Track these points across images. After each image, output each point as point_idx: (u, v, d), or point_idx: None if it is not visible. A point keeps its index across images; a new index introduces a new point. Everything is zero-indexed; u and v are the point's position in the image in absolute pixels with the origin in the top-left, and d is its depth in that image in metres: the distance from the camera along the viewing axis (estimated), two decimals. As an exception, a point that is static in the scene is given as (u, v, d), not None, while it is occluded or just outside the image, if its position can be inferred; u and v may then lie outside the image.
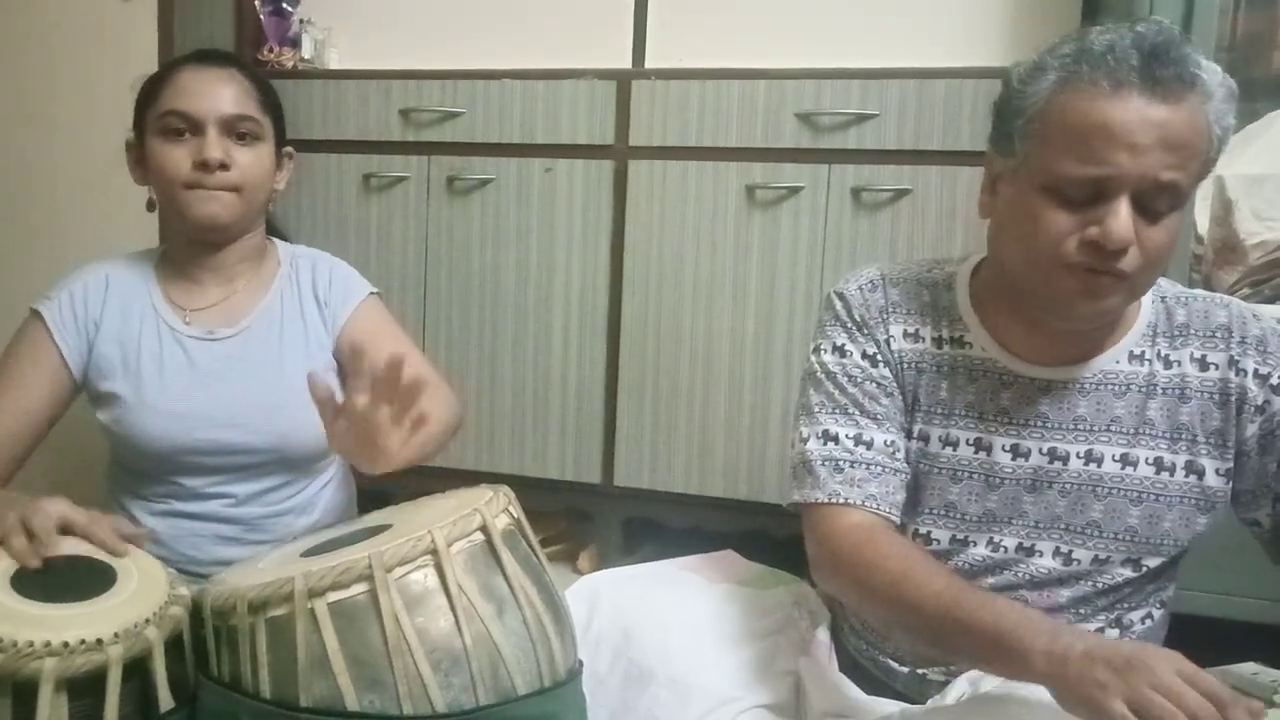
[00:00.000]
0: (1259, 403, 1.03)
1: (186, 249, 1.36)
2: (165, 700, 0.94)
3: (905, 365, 1.10)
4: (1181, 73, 0.90)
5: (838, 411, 1.10)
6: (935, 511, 1.10)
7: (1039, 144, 0.95)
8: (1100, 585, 1.07)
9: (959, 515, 1.09)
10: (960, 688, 1.06)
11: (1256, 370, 1.03)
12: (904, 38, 1.91)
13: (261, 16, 2.08)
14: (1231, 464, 1.05)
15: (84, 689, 0.89)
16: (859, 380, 1.10)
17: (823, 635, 1.19)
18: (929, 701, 1.08)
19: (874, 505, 1.05)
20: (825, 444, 1.08)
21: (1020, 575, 1.08)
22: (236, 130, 1.30)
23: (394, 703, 0.88)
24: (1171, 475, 1.05)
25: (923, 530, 1.11)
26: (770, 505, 1.81)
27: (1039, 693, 0.89)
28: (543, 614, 0.97)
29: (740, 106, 1.78)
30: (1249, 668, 0.98)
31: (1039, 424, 1.06)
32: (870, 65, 1.77)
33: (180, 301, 1.35)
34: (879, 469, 1.07)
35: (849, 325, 1.12)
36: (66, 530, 1.02)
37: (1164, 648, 0.85)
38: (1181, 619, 1.18)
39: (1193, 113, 0.91)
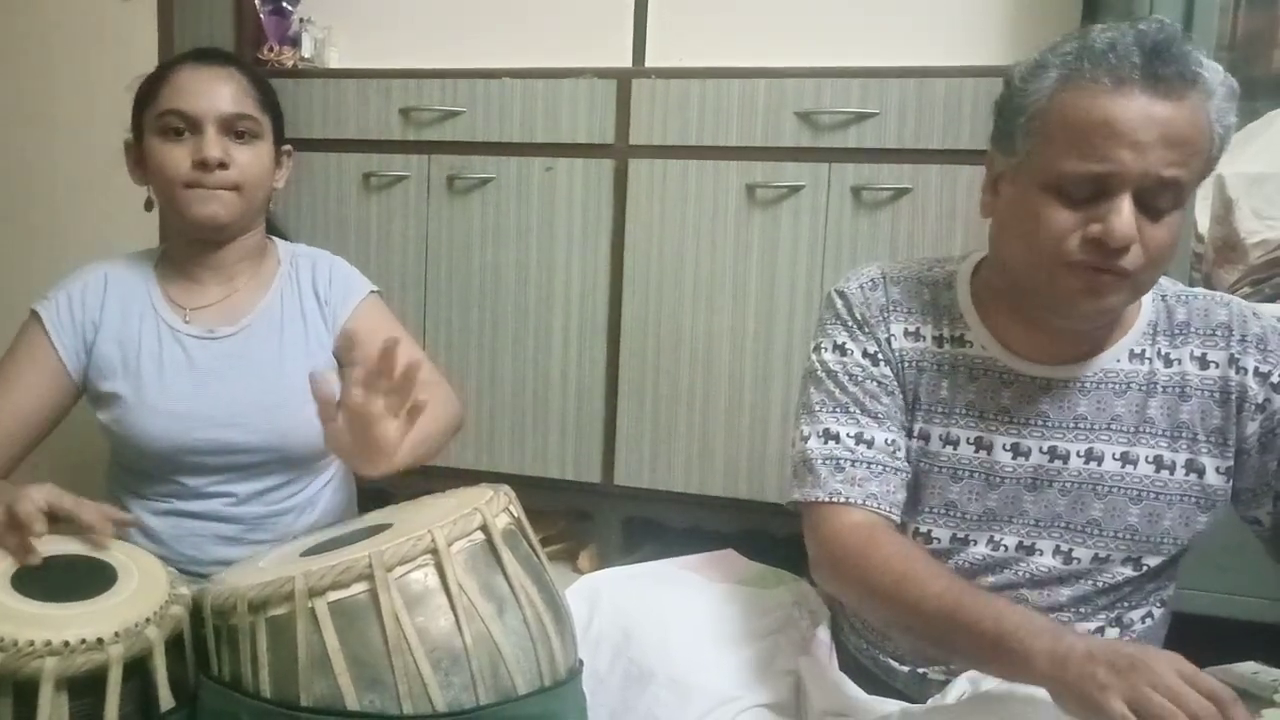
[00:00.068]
0: (1259, 401, 1.03)
1: (186, 248, 1.35)
2: (166, 700, 0.94)
3: (906, 364, 1.10)
4: (1183, 70, 0.90)
5: (838, 410, 1.10)
6: (935, 510, 1.10)
7: (1041, 142, 0.95)
8: (1100, 584, 1.07)
9: (959, 514, 1.09)
10: (960, 687, 1.06)
11: (1257, 368, 1.03)
12: (904, 37, 1.91)
13: (261, 15, 2.07)
14: (1232, 462, 1.05)
15: (84, 688, 0.89)
16: (860, 379, 1.10)
17: (823, 634, 1.19)
18: (929, 701, 1.08)
19: (875, 505, 1.05)
20: (826, 443, 1.08)
21: (1020, 574, 1.08)
22: (235, 129, 1.29)
23: (394, 702, 0.88)
24: (1172, 474, 1.05)
25: (923, 529, 1.11)
26: (770, 505, 1.81)
27: (1040, 692, 0.88)
28: (543, 613, 0.97)
29: (740, 105, 1.78)
30: (1249, 667, 0.98)
31: (1039, 423, 1.06)
32: (870, 64, 1.77)
33: (180, 300, 1.35)
34: (880, 468, 1.07)
35: (850, 324, 1.12)
36: (54, 514, 1.02)
37: (1165, 650, 0.85)
38: (1182, 618, 1.18)
39: (1194, 110, 0.91)
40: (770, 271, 1.80)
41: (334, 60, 2.13)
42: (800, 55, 1.88)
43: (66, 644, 0.87)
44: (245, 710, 0.92)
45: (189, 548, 1.31)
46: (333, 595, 0.90)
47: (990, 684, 1.01)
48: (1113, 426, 1.05)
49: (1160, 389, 1.05)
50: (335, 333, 1.37)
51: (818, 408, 1.11)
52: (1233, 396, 1.04)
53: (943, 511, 1.10)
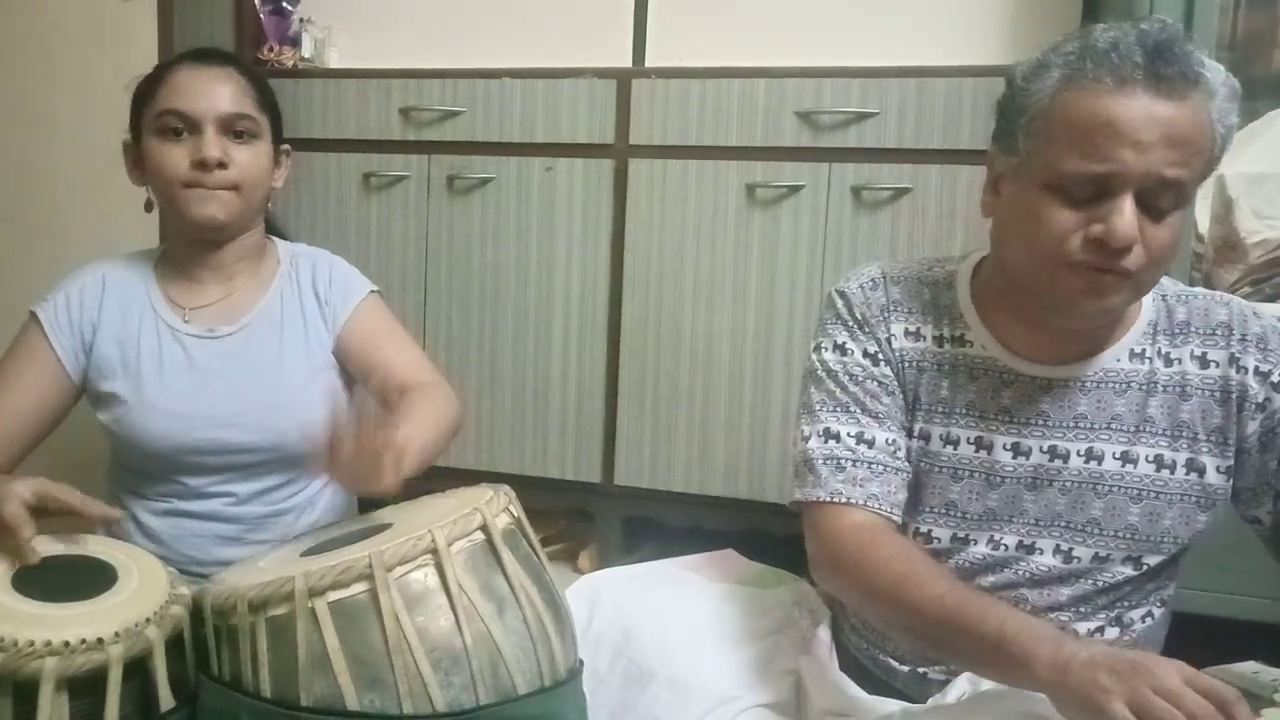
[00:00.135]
0: (1259, 400, 1.03)
1: (186, 248, 1.36)
2: (166, 699, 0.94)
3: (906, 364, 1.10)
4: (1185, 70, 0.90)
5: (839, 410, 1.10)
6: (936, 510, 1.10)
7: (1043, 141, 0.95)
8: (1100, 583, 1.07)
9: (960, 514, 1.09)
10: (961, 686, 1.06)
11: (1257, 368, 1.03)
12: (904, 36, 1.91)
13: (261, 15, 2.08)
14: (1232, 461, 1.05)
15: (85, 688, 0.89)
16: (860, 379, 1.10)
17: (823, 634, 1.19)
18: (930, 700, 1.08)
19: (875, 505, 1.05)
20: (827, 442, 1.08)
21: (1020, 573, 1.08)
22: (234, 128, 1.29)
23: (394, 702, 0.88)
24: (1172, 473, 1.05)
25: (923, 529, 1.11)
26: (770, 504, 1.81)
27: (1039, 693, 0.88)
28: (543, 613, 0.97)
29: (740, 105, 1.78)
30: (1250, 666, 0.98)
31: (1040, 422, 1.06)
32: (870, 64, 1.77)
33: (179, 300, 1.35)
34: (880, 468, 1.07)
35: (850, 323, 1.12)
36: (44, 506, 1.03)
37: (1168, 657, 0.85)
38: (1182, 618, 1.18)
39: (1196, 110, 0.91)
40: (770, 271, 1.80)
41: (334, 60, 2.13)
42: (800, 55, 1.88)
43: (67, 644, 0.87)
44: (245, 710, 0.92)
45: (189, 548, 1.31)
46: (333, 595, 0.90)
47: (990, 683, 1.01)
48: (1113, 426, 1.05)
49: (1161, 388, 1.05)
50: (335, 333, 1.37)
51: (818, 407, 1.11)
52: (1233, 396, 1.04)
53: (943, 511, 1.10)
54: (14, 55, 2.05)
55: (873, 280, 1.13)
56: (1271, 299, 1.64)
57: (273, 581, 0.92)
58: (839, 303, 1.14)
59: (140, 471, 1.33)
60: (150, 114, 1.30)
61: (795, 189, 1.77)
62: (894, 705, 1.08)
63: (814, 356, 1.14)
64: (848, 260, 1.75)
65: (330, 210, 2.00)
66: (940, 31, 1.91)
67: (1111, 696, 0.80)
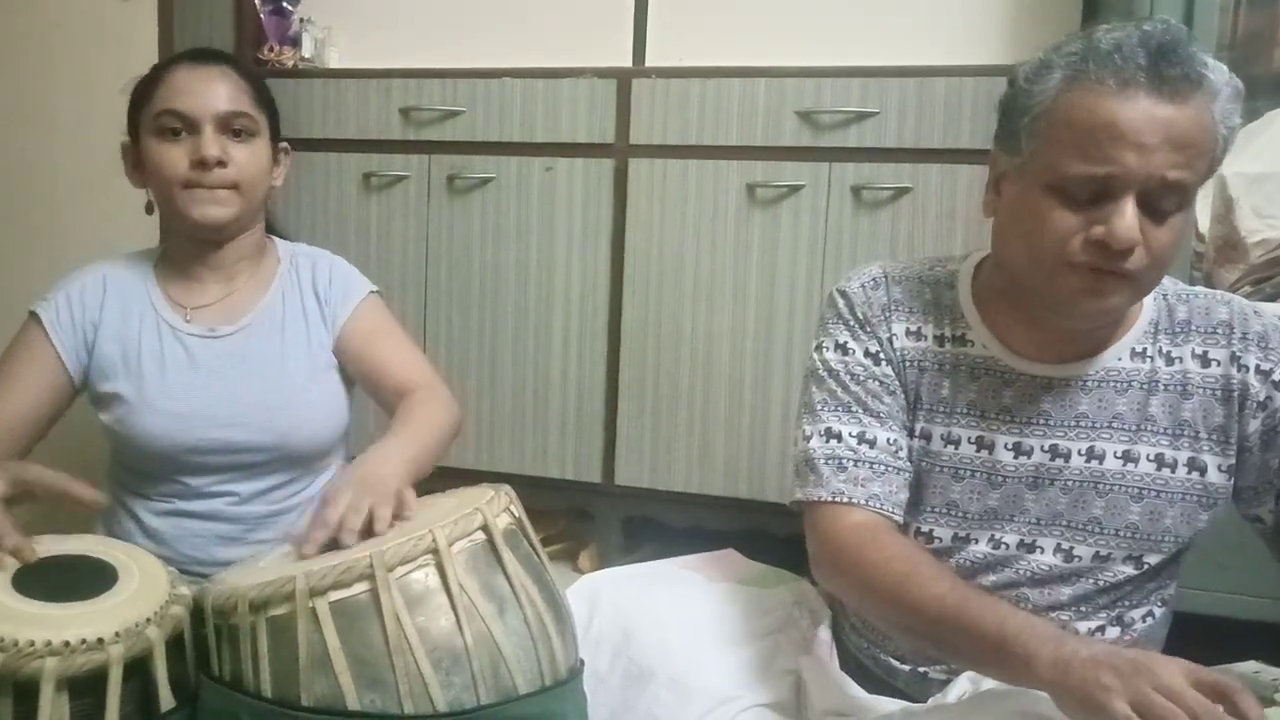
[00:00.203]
0: (1261, 399, 1.03)
1: (186, 247, 1.35)
2: (166, 700, 0.93)
3: (907, 363, 1.10)
4: (1188, 72, 0.90)
5: (840, 409, 1.09)
6: (937, 510, 1.10)
7: (1045, 143, 0.95)
8: (1101, 582, 1.07)
9: (960, 513, 1.09)
10: (962, 686, 1.06)
11: (1258, 366, 1.03)
12: (904, 36, 1.91)
13: (261, 16, 2.08)
14: (1233, 460, 1.05)
15: (85, 688, 0.88)
16: (861, 378, 1.10)
17: (824, 634, 1.19)
18: (930, 700, 1.08)
19: (877, 505, 1.05)
20: (828, 442, 1.08)
21: (1021, 572, 1.08)
22: (232, 127, 1.29)
23: (395, 702, 0.88)
24: (1173, 472, 1.05)
25: (924, 528, 1.11)
26: (770, 504, 1.81)
27: (1041, 692, 0.88)
28: (544, 613, 0.97)
29: (740, 105, 1.78)
30: (1250, 666, 0.98)
31: (1041, 422, 1.06)
32: (870, 64, 1.77)
33: (180, 300, 1.35)
34: (882, 468, 1.07)
35: (851, 323, 1.12)
36: (24, 495, 1.03)
37: (1170, 655, 0.85)
38: (1183, 617, 1.18)
39: (1199, 112, 0.91)
40: (770, 271, 1.80)
41: (334, 60, 2.13)
42: (800, 55, 1.88)
43: (67, 644, 0.87)
44: (246, 710, 0.92)
45: (190, 548, 1.31)
46: (334, 595, 0.90)
47: (991, 683, 1.01)
48: (1114, 425, 1.05)
49: (1162, 387, 1.05)
50: (335, 333, 1.37)
51: (819, 407, 1.11)
52: (1234, 394, 1.04)
53: (944, 511, 1.10)
54: (14, 55, 2.05)
55: (874, 280, 1.13)
56: (1272, 298, 1.64)
57: (273, 581, 0.92)
58: (840, 302, 1.14)
59: (141, 471, 1.33)
60: (148, 115, 1.30)
61: (795, 189, 1.77)
62: (895, 705, 1.08)
63: (815, 356, 1.14)
64: (848, 260, 1.75)
65: (330, 210, 2.00)
66: (940, 31, 1.91)
67: (1113, 695, 0.80)
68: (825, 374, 1.11)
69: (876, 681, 1.14)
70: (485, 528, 0.97)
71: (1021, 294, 1.03)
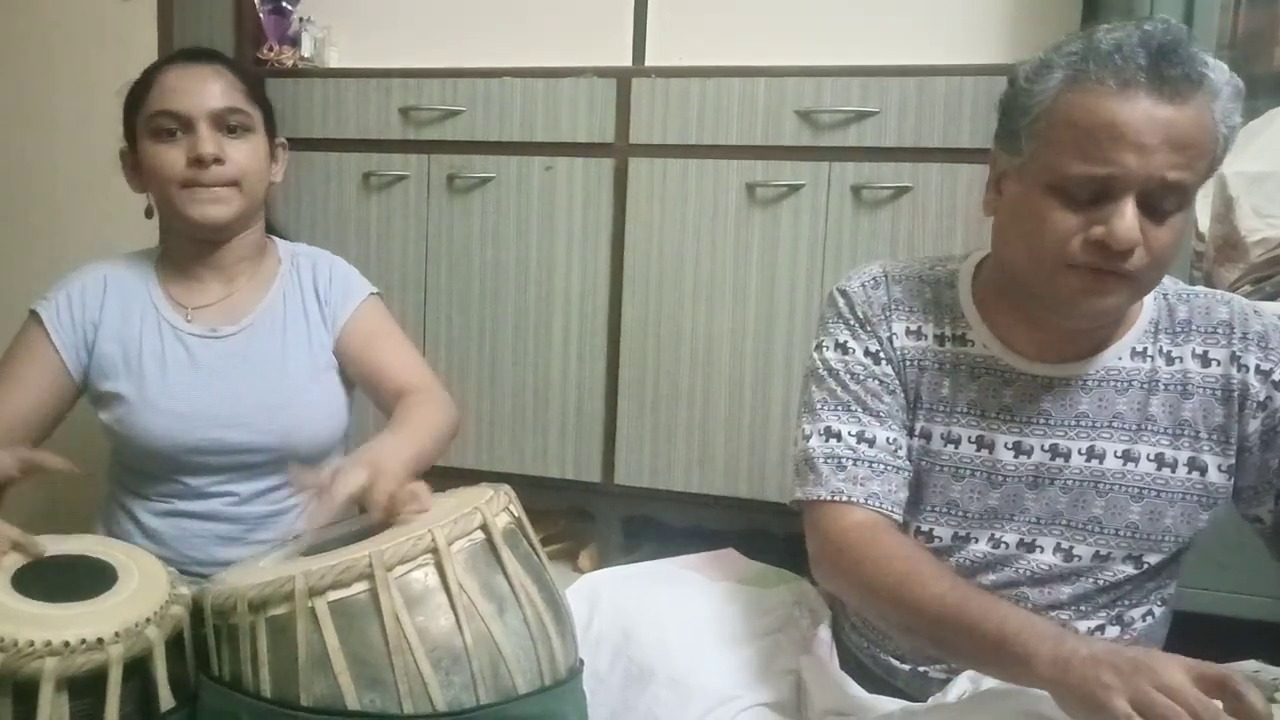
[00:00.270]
0: (1261, 398, 1.03)
1: (187, 247, 1.35)
2: (166, 699, 0.93)
3: (907, 362, 1.10)
4: (1189, 72, 0.90)
5: (840, 409, 1.09)
6: (937, 509, 1.10)
7: (1045, 143, 0.95)
8: (1101, 582, 1.07)
9: (960, 513, 1.09)
10: (962, 685, 1.06)
11: (1258, 366, 1.03)
12: (904, 35, 1.91)
13: (261, 15, 2.08)
14: (1233, 460, 1.05)
15: (85, 688, 0.88)
16: (861, 377, 1.10)
17: (824, 633, 1.19)
18: (930, 699, 1.08)
19: (877, 504, 1.05)
20: (828, 441, 1.08)
21: (1021, 572, 1.08)
22: (227, 124, 1.29)
23: (394, 701, 0.88)
24: (1173, 471, 1.04)
25: (924, 528, 1.10)
26: (770, 504, 1.81)
27: (1041, 691, 0.88)
28: (543, 613, 0.97)
29: (740, 104, 1.78)
30: (1250, 665, 0.98)
31: (1041, 421, 1.06)
32: (870, 63, 1.77)
33: (181, 299, 1.35)
34: (882, 467, 1.07)
35: (851, 322, 1.12)
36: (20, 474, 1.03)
37: (1170, 653, 0.85)
38: (1183, 617, 1.18)
39: (1200, 112, 0.91)
40: (770, 271, 1.80)
41: (334, 60, 2.13)
42: (800, 54, 1.88)
43: (66, 644, 0.87)
44: (245, 710, 0.92)
45: (190, 548, 1.31)
46: (333, 595, 0.90)
47: (991, 682, 1.01)
48: (1114, 424, 1.05)
49: (1162, 387, 1.05)
50: (335, 334, 1.37)
51: (819, 406, 1.10)
52: (1234, 394, 1.04)
53: (944, 510, 1.10)
54: (14, 55, 2.05)
55: (874, 279, 1.13)
56: (1272, 297, 1.64)
57: (273, 581, 0.92)
58: (840, 301, 1.14)
59: (141, 471, 1.33)
60: (143, 118, 1.30)
61: (795, 188, 1.77)
62: (895, 704, 1.08)
63: (815, 355, 1.14)
64: (848, 259, 1.75)
65: (330, 210, 2.00)
66: (940, 31, 1.90)
67: (1113, 693, 0.79)
68: (825, 373, 1.11)
69: (876, 681, 1.14)
70: (485, 527, 0.97)
71: (1022, 294, 1.03)
